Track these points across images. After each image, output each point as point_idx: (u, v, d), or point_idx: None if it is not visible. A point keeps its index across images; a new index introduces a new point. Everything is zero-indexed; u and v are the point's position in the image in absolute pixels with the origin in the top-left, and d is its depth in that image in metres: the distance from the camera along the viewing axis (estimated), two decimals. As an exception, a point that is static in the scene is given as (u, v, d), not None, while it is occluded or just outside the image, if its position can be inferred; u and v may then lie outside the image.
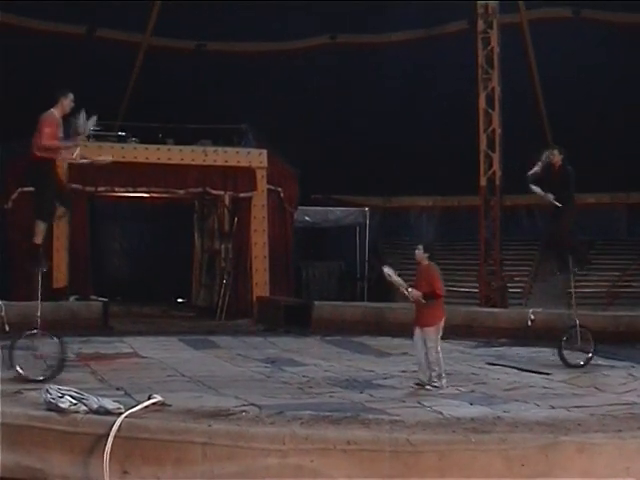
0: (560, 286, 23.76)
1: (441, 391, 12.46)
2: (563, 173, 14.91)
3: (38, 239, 12.51)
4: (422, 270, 13.05)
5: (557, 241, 15.55)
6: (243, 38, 29.86)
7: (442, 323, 12.84)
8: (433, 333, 12.72)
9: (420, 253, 13.01)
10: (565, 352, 15.05)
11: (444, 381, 12.68)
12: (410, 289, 12.81)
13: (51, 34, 27.96)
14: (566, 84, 28.60)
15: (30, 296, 21.31)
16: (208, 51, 30.26)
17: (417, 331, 12.85)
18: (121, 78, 29.19)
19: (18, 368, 12.00)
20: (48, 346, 12.49)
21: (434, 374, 12.70)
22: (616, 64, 28.42)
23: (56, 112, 12.41)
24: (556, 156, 14.95)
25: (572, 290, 15.68)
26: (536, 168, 15.06)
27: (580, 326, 15.14)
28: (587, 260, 16.28)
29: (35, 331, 12.39)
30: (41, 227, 12.53)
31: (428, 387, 12.60)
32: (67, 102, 12.46)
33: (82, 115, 12.58)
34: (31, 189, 12.45)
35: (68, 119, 12.82)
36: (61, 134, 12.62)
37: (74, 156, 12.87)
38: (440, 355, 12.70)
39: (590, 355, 15.03)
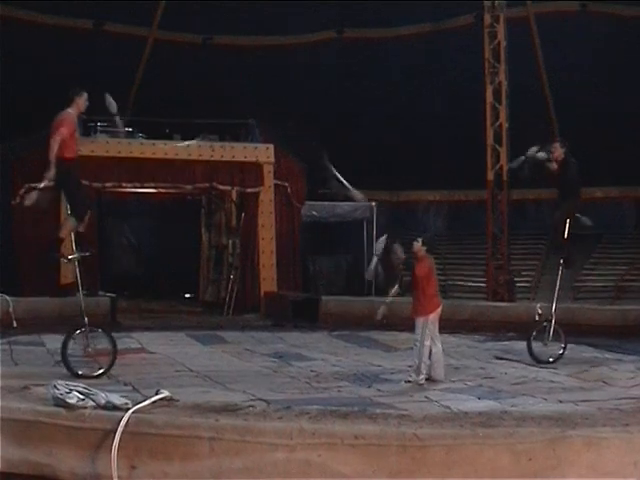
0: (567, 280, 23.78)
1: (448, 385, 12.47)
2: (566, 166, 14.78)
3: (63, 233, 12.59)
4: (417, 262, 13.06)
5: (555, 230, 15.28)
6: (250, 32, 29.85)
7: (433, 316, 12.80)
8: (422, 324, 12.72)
9: (418, 245, 13.01)
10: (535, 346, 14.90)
11: (421, 377, 12.59)
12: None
13: (58, 28, 27.99)
14: (573, 78, 28.54)
15: (38, 292, 21.49)
16: (214, 45, 30.26)
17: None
18: (128, 72, 29.19)
19: (76, 369, 12.04)
20: (97, 341, 12.55)
21: (414, 366, 12.68)
22: (623, 57, 28.34)
23: (72, 112, 12.41)
24: (558, 149, 14.76)
25: (557, 284, 15.37)
26: (535, 150, 14.92)
27: (554, 322, 14.84)
28: (572, 260, 15.93)
29: (83, 329, 12.39)
30: (70, 224, 12.58)
31: (408, 379, 12.60)
32: (82, 101, 12.46)
33: (109, 98, 12.73)
34: (40, 185, 12.39)
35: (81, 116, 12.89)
36: (78, 134, 12.66)
37: None
38: (424, 349, 12.62)
39: (561, 352, 14.86)
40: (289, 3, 28.36)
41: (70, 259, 12.78)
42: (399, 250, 13.60)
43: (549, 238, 15.90)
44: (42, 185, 12.11)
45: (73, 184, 12.54)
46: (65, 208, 12.68)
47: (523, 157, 15.19)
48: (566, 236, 14.77)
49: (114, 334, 18.47)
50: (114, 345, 12.66)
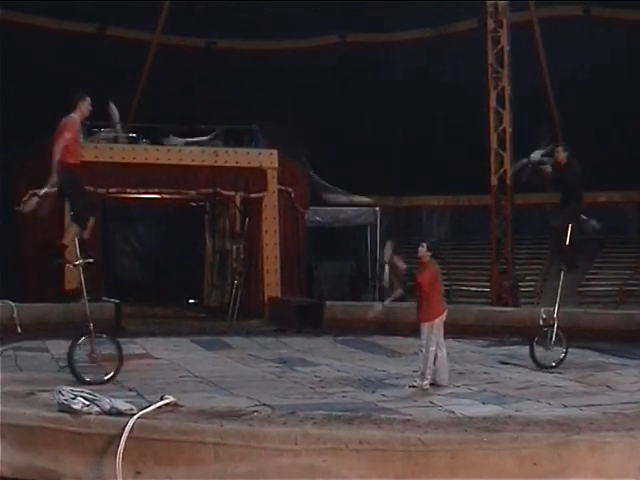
0: (571, 285, 23.76)
1: (453, 390, 12.47)
2: (569, 169, 14.76)
3: (67, 240, 12.56)
4: (422, 266, 13.07)
5: (557, 235, 15.23)
6: (253, 36, 29.89)
7: (439, 321, 12.81)
8: (426, 329, 12.73)
9: (423, 250, 13.04)
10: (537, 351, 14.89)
11: (426, 382, 12.58)
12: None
13: (61, 33, 28.07)
14: (577, 82, 28.57)
15: (43, 298, 21.49)
16: (218, 49, 30.30)
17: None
18: (131, 77, 29.24)
19: (82, 375, 12.03)
20: (102, 347, 12.54)
21: (418, 372, 12.70)
22: (627, 62, 28.36)
23: (76, 117, 12.41)
24: (561, 153, 14.73)
25: (559, 289, 15.34)
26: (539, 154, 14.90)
27: (557, 327, 14.81)
28: (575, 264, 15.88)
29: (88, 335, 12.36)
30: (74, 231, 12.57)
31: (413, 384, 12.62)
32: (85, 106, 12.46)
33: (112, 107, 12.75)
34: (43, 190, 12.39)
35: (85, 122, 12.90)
36: (81, 139, 12.65)
37: None
38: (429, 354, 12.64)
39: (563, 356, 14.85)
40: (292, 8, 28.40)
41: (75, 265, 12.77)
42: (399, 262, 13.66)
43: (551, 242, 15.81)
44: (44, 191, 12.10)
45: (76, 190, 12.52)
46: (68, 214, 12.64)
47: (525, 160, 15.18)
48: (569, 241, 14.75)
49: (119, 340, 18.57)
50: (120, 351, 12.64)
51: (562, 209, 15.02)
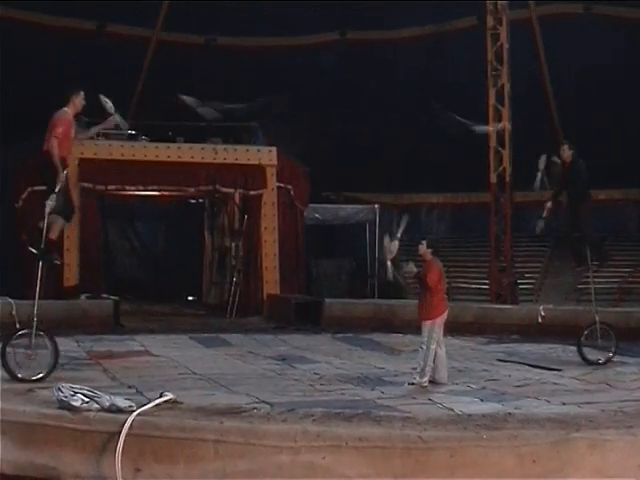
0: (571, 282, 23.78)
1: (452, 388, 12.47)
2: (574, 168, 14.82)
3: (54, 235, 12.48)
4: (426, 265, 13.09)
5: (577, 236, 15.29)
6: (253, 33, 29.88)
7: (440, 320, 12.82)
8: (427, 327, 12.74)
9: (423, 248, 13.08)
10: (585, 349, 14.96)
11: (425, 379, 12.59)
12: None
13: (61, 30, 28.05)
14: (577, 80, 28.57)
15: (42, 294, 21.44)
16: (218, 46, 30.29)
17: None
18: (131, 74, 29.22)
19: (13, 369, 11.88)
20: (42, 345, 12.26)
21: (418, 369, 12.71)
22: (628, 60, 28.36)
23: (69, 111, 12.38)
24: (566, 151, 14.85)
25: (592, 286, 15.51)
26: (538, 177, 15.04)
27: (601, 323, 14.96)
28: (607, 254, 16.05)
29: (26, 331, 12.17)
30: (59, 224, 12.50)
31: (412, 381, 12.62)
32: (79, 100, 12.42)
33: (103, 98, 12.69)
34: (42, 188, 12.34)
35: (80, 117, 12.83)
36: (73, 133, 12.60)
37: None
38: (429, 352, 12.64)
39: (611, 354, 14.91)
40: (293, 5, 28.40)
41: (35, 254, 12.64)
42: (407, 266, 13.74)
43: (554, 243, 15.80)
44: (58, 188, 12.05)
45: (64, 185, 12.42)
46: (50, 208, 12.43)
47: (539, 173, 15.26)
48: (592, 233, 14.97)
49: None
50: (56, 350, 12.38)
51: (570, 210, 15.07)
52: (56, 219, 12.40)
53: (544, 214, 15.09)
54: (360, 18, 30.01)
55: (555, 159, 15.36)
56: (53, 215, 12.27)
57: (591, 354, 14.91)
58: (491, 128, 20.97)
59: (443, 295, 13.08)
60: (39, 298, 12.39)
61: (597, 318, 14.95)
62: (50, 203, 12.05)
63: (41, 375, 11.84)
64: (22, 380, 11.34)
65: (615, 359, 15.35)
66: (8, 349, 11.90)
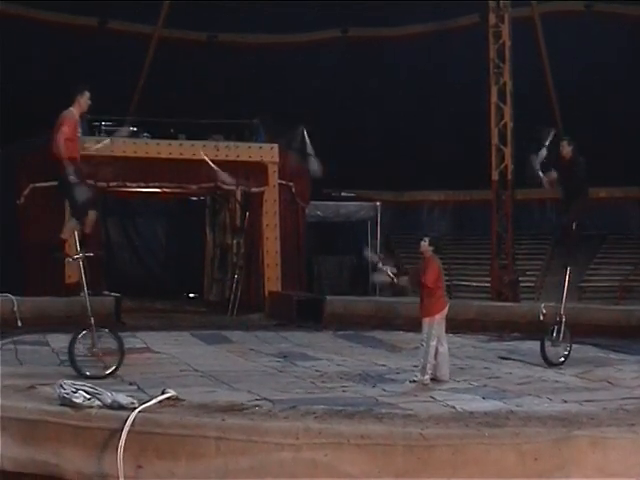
0: (572, 280, 23.75)
1: (453, 385, 12.47)
2: (574, 164, 14.73)
3: (65, 234, 12.53)
4: (424, 262, 13.09)
5: (566, 233, 15.24)
6: (254, 30, 29.86)
7: (440, 317, 12.82)
8: (428, 324, 12.74)
9: (425, 245, 13.07)
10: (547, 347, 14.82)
11: (426, 376, 12.58)
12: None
13: (62, 26, 28.02)
14: (578, 77, 28.54)
15: (43, 291, 21.49)
16: (219, 42, 30.27)
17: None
18: (132, 71, 29.21)
19: (83, 370, 12.00)
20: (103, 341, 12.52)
21: (419, 366, 12.71)
22: (629, 57, 28.34)
23: (75, 111, 12.38)
24: (565, 147, 14.68)
25: (565, 285, 15.34)
26: (543, 151, 14.88)
27: (564, 324, 14.72)
28: (575, 260, 15.84)
29: (89, 329, 12.33)
30: (72, 225, 12.54)
31: (413, 379, 12.63)
32: (84, 100, 12.41)
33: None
34: (44, 184, 12.40)
35: (85, 116, 12.87)
36: (79, 133, 12.62)
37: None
38: (430, 349, 12.64)
39: (567, 353, 14.73)
40: (293, 2, 28.38)
41: (74, 259, 12.75)
42: (388, 270, 13.71)
43: (556, 239, 15.71)
44: (74, 182, 12.11)
45: (74, 184, 12.44)
46: (68, 208, 12.58)
47: (544, 149, 15.14)
48: (573, 237, 14.80)
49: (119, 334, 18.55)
50: (122, 345, 12.63)
51: (568, 206, 14.99)
52: (70, 220, 12.54)
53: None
54: (361, 16, 29.99)
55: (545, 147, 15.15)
56: (70, 216, 12.45)
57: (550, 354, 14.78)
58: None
59: (442, 292, 13.07)
60: (39, 295, 12.50)
61: (563, 318, 14.75)
62: (69, 227, 12.27)
63: (109, 372, 12.14)
64: (90, 378, 11.42)
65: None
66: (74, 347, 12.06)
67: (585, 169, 14.73)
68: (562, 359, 14.65)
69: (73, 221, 12.54)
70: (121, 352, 12.55)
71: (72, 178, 12.17)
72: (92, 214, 12.74)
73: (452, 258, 28.74)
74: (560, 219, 15.64)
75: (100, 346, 12.35)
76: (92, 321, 12.28)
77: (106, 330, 12.65)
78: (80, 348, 12.31)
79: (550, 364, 14.49)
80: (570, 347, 14.79)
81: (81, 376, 11.55)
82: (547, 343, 14.67)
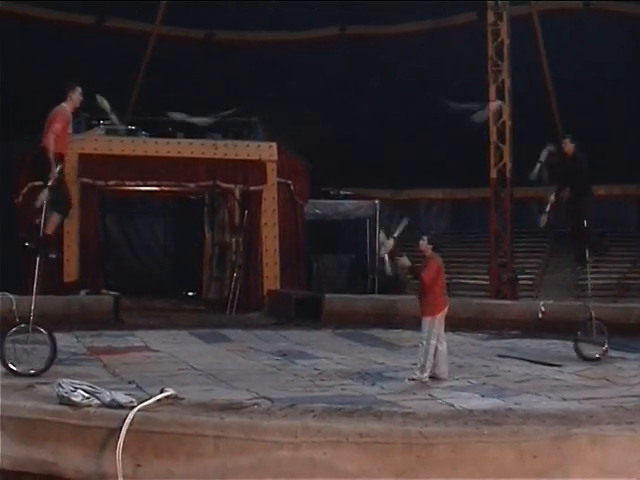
0: (570, 278, 23.76)
1: (452, 383, 12.48)
2: (576, 161, 14.78)
3: (50, 230, 12.48)
4: (425, 260, 13.10)
5: (579, 232, 15.28)
6: (253, 27, 29.84)
7: (440, 316, 12.83)
8: (427, 323, 12.76)
9: (424, 244, 13.11)
10: (580, 344, 14.94)
11: (425, 374, 12.61)
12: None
13: (60, 24, 27.97)
14: (577, 75, 28.52)
15: (41, 290, 21.45)
16: (217, 40, 30.25)
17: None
18: (130, 69, 29.19)
19: (9, 364, 11.88)
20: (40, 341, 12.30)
21: (418, 364, 12.71)
22: (628, 55, 28.32)
23: (67, 107, 12.39)
24: (568, 144, 14.77)
25: (588, 282, 15.50)
26: (544, 154, 14.95)
27: (595, 318, 14.94)
28: (602, 246, 16.00)
29: (23, 325, 12.23)
30: (55, 219, 12.51)
31: (412, 377, 12.63)
32: (76, 96, 12.44)
33: (99, 98, 12.72)
34: (41, 183, 12.34)
35: (78, 112, 12.82)
36: (70, 129, 12.61)
37: None
38: (430, 348, 12.65)
39: (605, 348, 14.88)
40: (293, 8, 28.37)
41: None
42: (401, 260, 13.72)
43: (576, 242, 15.68)
44: (50, 183, 12.05)
45: (59, 180, 12.42)
46: (47, 203, 12.40)
47: (538, 164, 15.22)
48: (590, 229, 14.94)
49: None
50: (54, 347, 12.40)
51: (572, 204, 15.04)
52: (51, 214, 12.40)
53: (547, 208, 15.05)
54: (360, 14, 29.95)
55: (551, 147, 15.28)
56: (49, 210, 12.29)
57: (586, 350, 14.88)
58: (491, 109, 20.69)
59: (443, 291, 13.08)
60: (38, 293, 12.41)
61: (592, 314, 14.91)
62: (41, 197, 12.09)
63: (38, 370, 11.88)
64: (19, 374, 11.39)
65: (615, 355, 15.37)
66: (7, 344, 11.93)
67: (588, 165, 14.80)
68: (599, 355, 14.73)
69: (56, 215, 12.46)
70: (54, 351, 12.34)
71: (56, 173, 12.13)
72: (57, 217, 12.61)
73: (451, 256, 28.70)
74: (570, 218, 15.65)
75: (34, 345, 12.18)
76: (31, 320, 12.12)
77: (40, 328, 12.41)
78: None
79: (587, 360, 14.56)
80: (608, 341, 14.82)
81: (7, 370, 11.56)
82: (580, 341, 14.76)
